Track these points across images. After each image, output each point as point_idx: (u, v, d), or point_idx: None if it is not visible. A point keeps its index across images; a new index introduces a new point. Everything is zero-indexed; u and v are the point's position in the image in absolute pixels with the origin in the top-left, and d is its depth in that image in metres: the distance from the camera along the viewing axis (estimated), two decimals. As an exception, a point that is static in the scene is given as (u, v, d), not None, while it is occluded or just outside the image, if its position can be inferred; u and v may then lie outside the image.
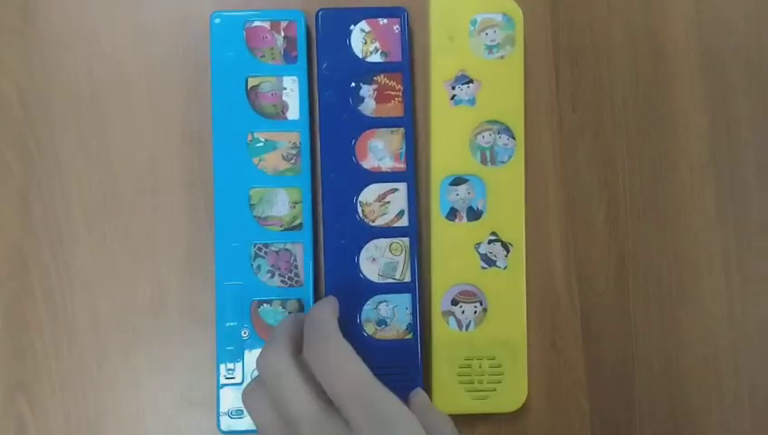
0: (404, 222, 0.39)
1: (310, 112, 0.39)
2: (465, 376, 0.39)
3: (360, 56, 0.39)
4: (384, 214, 0.39)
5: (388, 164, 0.39)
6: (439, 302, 0.39)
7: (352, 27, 0.39)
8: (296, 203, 0.39)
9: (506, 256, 0.39)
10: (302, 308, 0.38)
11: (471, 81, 0.40)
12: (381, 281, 0.38)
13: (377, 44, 0.39)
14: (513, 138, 0.40)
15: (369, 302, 0.38)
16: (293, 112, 0.39)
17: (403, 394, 0.33)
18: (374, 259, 0.38)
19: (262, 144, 0.39)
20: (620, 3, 0.42)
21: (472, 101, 0.40)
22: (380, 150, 0.39)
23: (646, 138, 0.41)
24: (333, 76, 0.39)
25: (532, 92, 0.41)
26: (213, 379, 0.38)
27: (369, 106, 0.39)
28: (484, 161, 0.40)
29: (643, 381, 0.40)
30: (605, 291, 0.41)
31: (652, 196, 0.41)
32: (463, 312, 0.39)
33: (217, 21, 0.39)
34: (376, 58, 0.39)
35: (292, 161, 0.39)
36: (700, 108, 0.42)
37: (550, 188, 0.41)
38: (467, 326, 0.39)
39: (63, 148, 0.40)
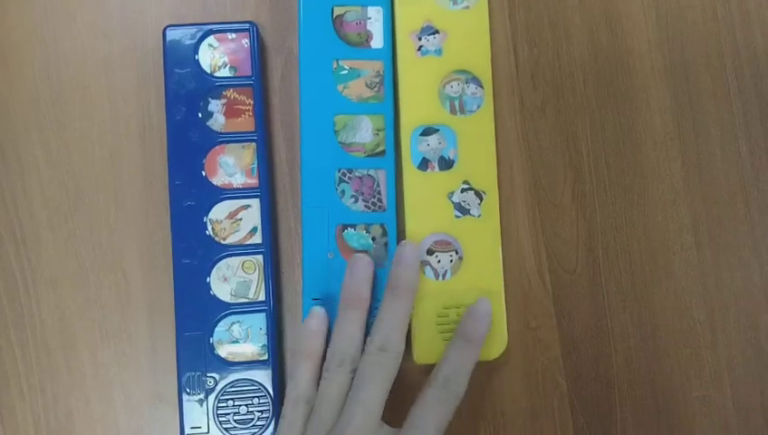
0: (257, 239, 0.38)
1: (392, 42, 0.40)
2: (444, 325, 0.38)
3: (209, 71, 0.39)
4: (236, 231, 0.38)
5: (239, 180, 0.38)
6: None
7: (200, 43, 0.39)
8: (379, 130, 0.39)
9: (480, 205, 0.39)
10: (385, 233, 0.39)
11: (437, 31, 0.40)
12: (234, 301, 0.37)
13: (225, 59, 0.39)
14: (482, 87, 0.40)
15: (221, 323, 0.37)
16: (377, 41, 0.40)
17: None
18: (225, 278, 0.38)
19: (346, 72, 0.39)
20: (574, -20, 0.42)
21: (439, 52, 0.40)
22: (231, 166, 0.38)
23: (608, 113, 0.41)
24: (181, 92, 0.38)
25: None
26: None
27: (218, 121, 0.38)
28: (453, 111, 0.39)
29: (620, 358, 0.40)
30: (576, 269, 0.40)
31: (618, 171, 0.41)
32: (439, 261, 0.38)
33: None
34: (225, 73, 0.39)
35: (376, 89, 0.39)
36: (661, 82, 0.41)
37: (515, 168, 0.41)
38: (444, 275, 0.38)
39: (24, 148, 0.40)
